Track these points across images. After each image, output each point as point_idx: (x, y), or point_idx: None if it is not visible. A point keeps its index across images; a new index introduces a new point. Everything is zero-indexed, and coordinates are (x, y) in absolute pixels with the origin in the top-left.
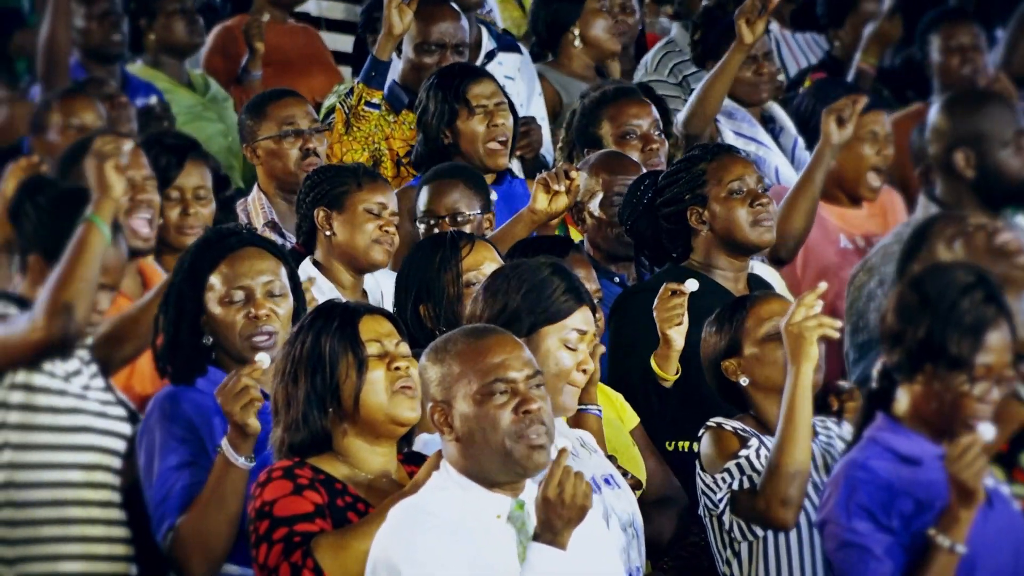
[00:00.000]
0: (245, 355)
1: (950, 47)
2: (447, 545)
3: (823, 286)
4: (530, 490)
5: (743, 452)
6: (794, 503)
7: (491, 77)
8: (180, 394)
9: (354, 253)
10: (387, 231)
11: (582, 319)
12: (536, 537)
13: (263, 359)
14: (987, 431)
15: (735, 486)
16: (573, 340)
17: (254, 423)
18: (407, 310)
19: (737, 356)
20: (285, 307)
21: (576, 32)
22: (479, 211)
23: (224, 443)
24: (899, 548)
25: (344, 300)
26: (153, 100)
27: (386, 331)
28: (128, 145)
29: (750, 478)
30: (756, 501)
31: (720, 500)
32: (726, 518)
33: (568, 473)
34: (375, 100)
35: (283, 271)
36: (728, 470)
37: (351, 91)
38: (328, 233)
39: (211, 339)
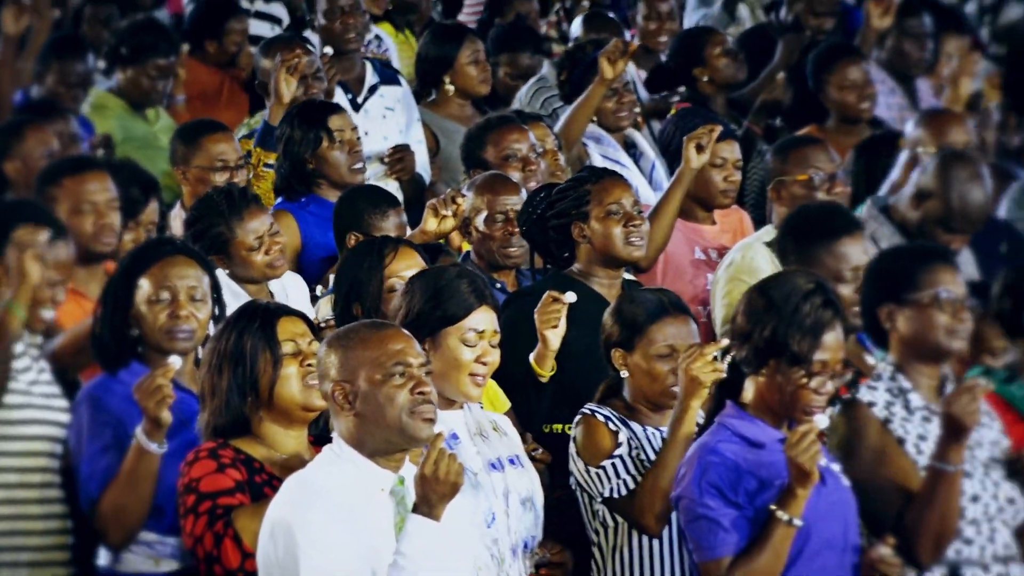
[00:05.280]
0: (165, 348)
1: (845, 84)
2: (335, 513)
3: (725, 342)
4: (410, 468)
5: (617, 452)
6: (665, 517)
7: (346, 112)
8: (106, 384)
9: (252, 274)
10: (273, 252)
11: (479, 319)
12: (414, 509)
13: (175, 361)
14: (821, 420)
15: (612, 494)
16: (472, 338)
17: (165, 416)
18: (340, 307)
19: (627, 351)
20: (204, 311)
21: (448, 80)
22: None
23: (139, 431)
24: (744, 521)
25: (264, 302)
26: (94, 139)
27: (300, 331)
28: (44, 235)
29: (624, 482)
30: (630, 509)
31: (597, 494)
32: (598, 506)
33: (443, 454)
34: (270, 161)
35: (206, 279)
36: (604, 470)
37: (249, 154)
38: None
39: (137, 332)
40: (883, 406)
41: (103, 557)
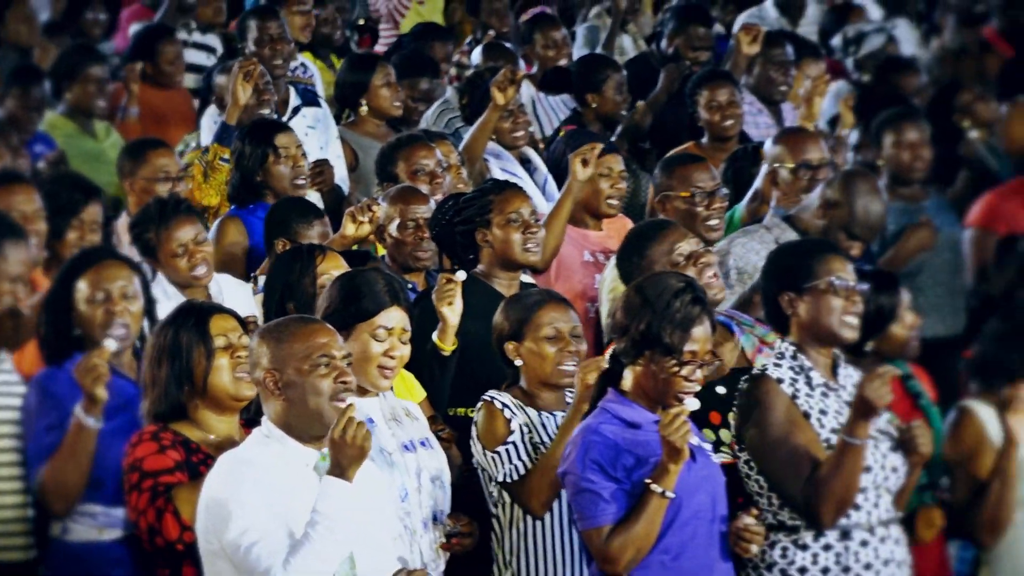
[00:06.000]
0: (102, 342)
1: (711, 105)
2: (264, 487)
3: (605, 360)
4: None
5: (510, 439)
6: (550, 502)
7: (291, 130)
8: (53, 374)
9: (177, 279)
10: (198, 259)
11: (390, 317)
12: (329, 472)
13: (110, 344)
14: (691, 403)
15: (505, 478)
16: (381, 334)
17: (101, 392)
18: (273, 306)
19: (518, 342)
20: (136, 307)
21: (365, 102)
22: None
23: (78, 408)
24: (623, 494)
25: (199, 301)
26: (50, 156)
27: (231, 327)
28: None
29: (516, 468)
30: (519, 493)
31: (493, 478)
32: (494, 487)
33: (352, 421)
34: (225, 156)
35: (136, 279)
36: (499, 455)
37: (207, 149)
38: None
39: (79, 330)
40: (789, 383)
41: (53, 528)
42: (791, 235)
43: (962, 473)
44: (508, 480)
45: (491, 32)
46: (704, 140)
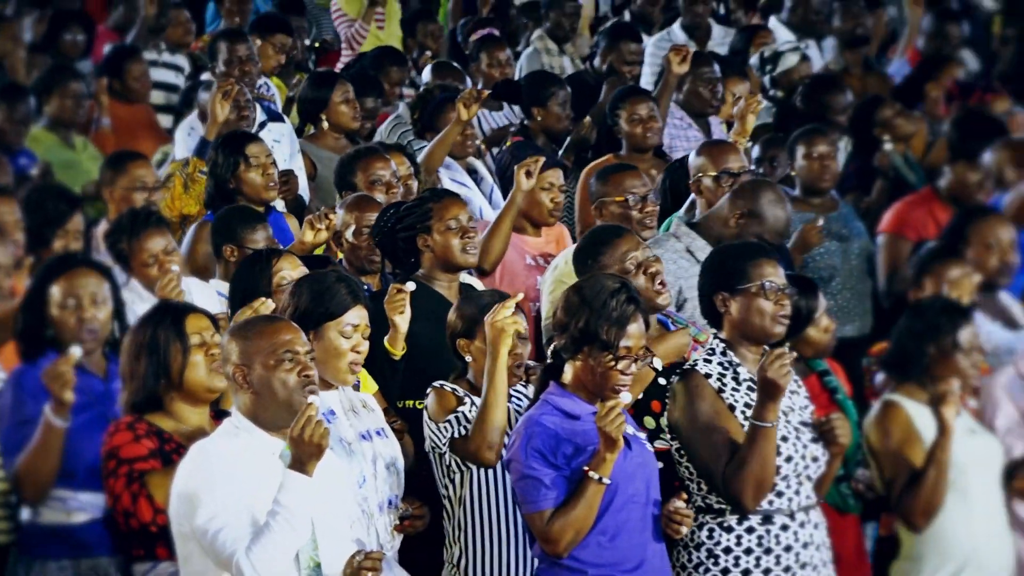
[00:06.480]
0: (75, 343)
1: (633, 119)
2: (232, 476)
3: (520, 296)
4: None
5: (460, 408)
6: (495, 447)
7: (262, 140)
8: (27, 371)
9: (148, 286)
10: (165, 268)
11: (354, 315)
12: (290, 467)
13: (76, 351)
14: (626, 396)
15: (454, 434)
16: (348, 331)
17: (68, 396)
18: (236, 307)
19: (469, 340)
20: (105, 311)
21: (325, 117)
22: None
23: (47, 409)
24: (563, 480)
25: (175, 301)
26: (38, 168)
27: (205, 326)
28: None
29: (465, 428)
30: (468, 445)
31: (443, 443)
32: (447, 457)
33: (311, 420)
34: (204, 169)
35: (106, 285)
36: (449, 421)
37: (187, 162)
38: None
39: (52, 331)
40: (716, 377)
41: (25, 512)
42: (700, 242)
43: (890, 463)
44: (457, 436)
45: (427, 53)
46: (623, 151)
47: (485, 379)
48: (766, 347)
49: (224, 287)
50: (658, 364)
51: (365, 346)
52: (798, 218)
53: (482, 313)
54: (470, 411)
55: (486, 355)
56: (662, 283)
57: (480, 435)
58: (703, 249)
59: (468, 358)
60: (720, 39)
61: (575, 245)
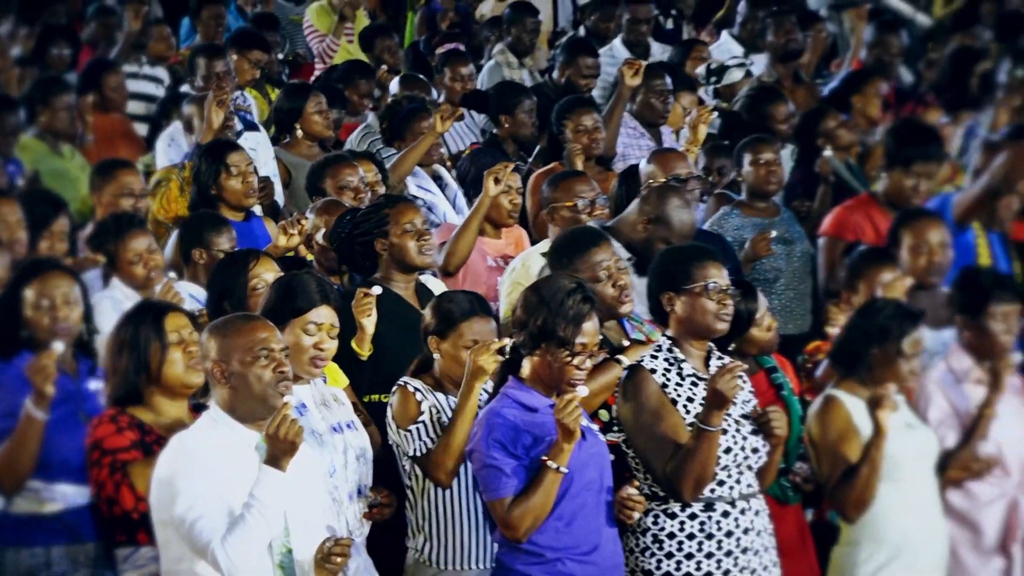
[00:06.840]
0: (49, 342)
1: (579, 129)
2: (210, 467)
3: (508, 343)
4: None
5: (420, 418)
6: (452, 473)
7: (243, 149)
8: (2, 368)
9: (133, 284)
10: (150, 266)
11: (320, 314)
12: (265, 462)
13: (58, 346)
14: (582, 390)
15: (415, 453)
16: (312, 329)
17: (49, 388)
18: (212, 305)
19: (441, 339)
20: (77, 311)
21: (299, 126)
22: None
23: (28, 401)
24: (522, 469)
25: (155, 300)
26: (26, 175)
27: (183, 324)
28: None
29: (425, 444)
30: (428, 464)
31: (408, 450)
32: (407, 462)
33: (285, 419)
34: None
35: (76, 288)
36: (411, 432)
37: (183, 167)
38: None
39: (26, 331)
40: (661, 373)
41: (0, 503)
42: (615, 246)
43: (828, 455)
44: (417, 455)
45: (383, 67)
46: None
47: (456, 407)
48: (711, 344)
49: (192, 288)
50: (626, 361)
51: (330, 344)
52: (746, 223)
53: (461, 317)
54: (430, 420)
55: (455, 361)
56: (627, 294)
57: (440, 459)
58: (619, 251)
59: (436, 356)
60: (658, 55)
61: (552, 241)
